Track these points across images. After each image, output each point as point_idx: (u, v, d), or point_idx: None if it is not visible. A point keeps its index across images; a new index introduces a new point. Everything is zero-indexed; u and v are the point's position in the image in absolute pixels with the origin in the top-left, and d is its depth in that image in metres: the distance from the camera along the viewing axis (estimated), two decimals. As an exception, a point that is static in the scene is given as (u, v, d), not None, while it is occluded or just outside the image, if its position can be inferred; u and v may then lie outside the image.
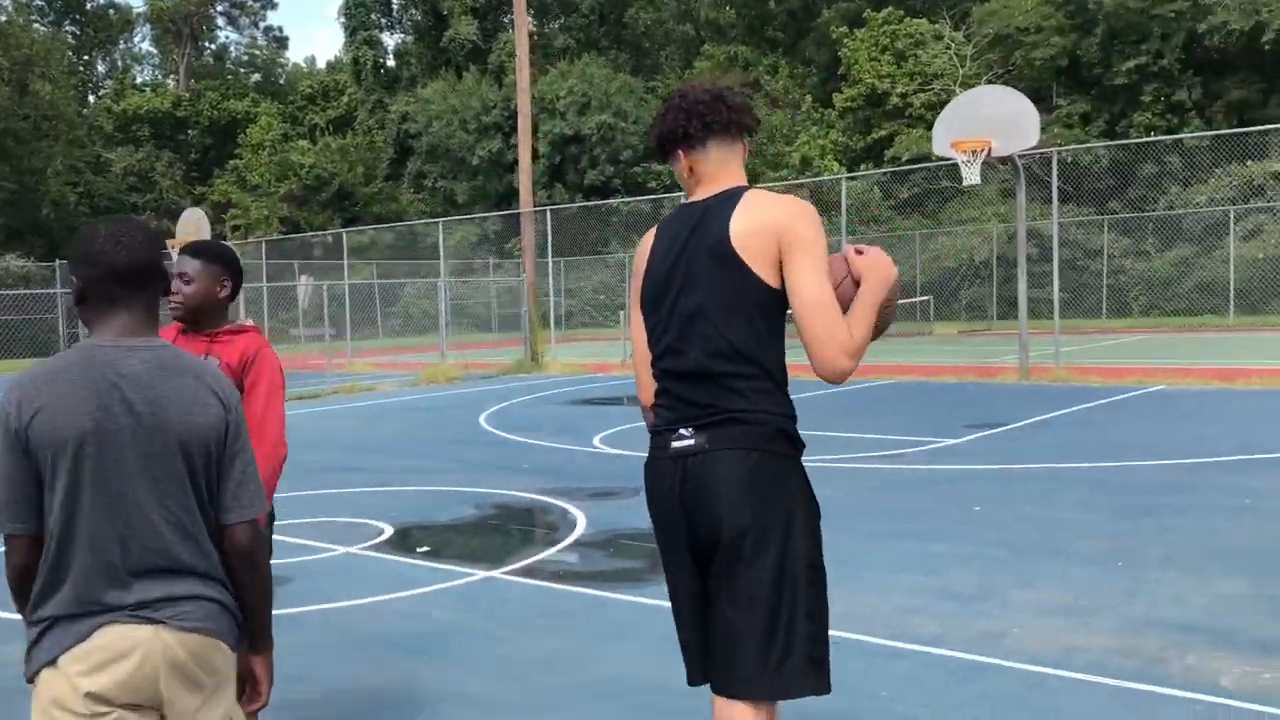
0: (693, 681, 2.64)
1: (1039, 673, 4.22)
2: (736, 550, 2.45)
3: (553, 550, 6.61)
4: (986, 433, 10.77)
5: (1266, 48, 32.67)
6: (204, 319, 3.22)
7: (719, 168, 2.62)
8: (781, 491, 2.49)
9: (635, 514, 7.47)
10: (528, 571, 6.13)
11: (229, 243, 35.63)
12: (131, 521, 2.08)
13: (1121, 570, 5.67)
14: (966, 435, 10.61)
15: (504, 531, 7.42)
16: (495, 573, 6.12)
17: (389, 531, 7.31)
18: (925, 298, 32.06)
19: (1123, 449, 9.48)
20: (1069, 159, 29.21)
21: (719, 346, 2.49)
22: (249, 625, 2.27)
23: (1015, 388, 15.11)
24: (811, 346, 2.43)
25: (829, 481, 8.45)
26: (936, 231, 34.61)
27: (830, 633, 2.59)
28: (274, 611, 4.54)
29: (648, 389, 2.69)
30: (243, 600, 2.23)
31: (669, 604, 2.70)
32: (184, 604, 2.10)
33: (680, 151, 2.63)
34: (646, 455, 2.66)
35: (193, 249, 3.20)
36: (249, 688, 2.33)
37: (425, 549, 6.85)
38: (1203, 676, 4.13)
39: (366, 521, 7.65)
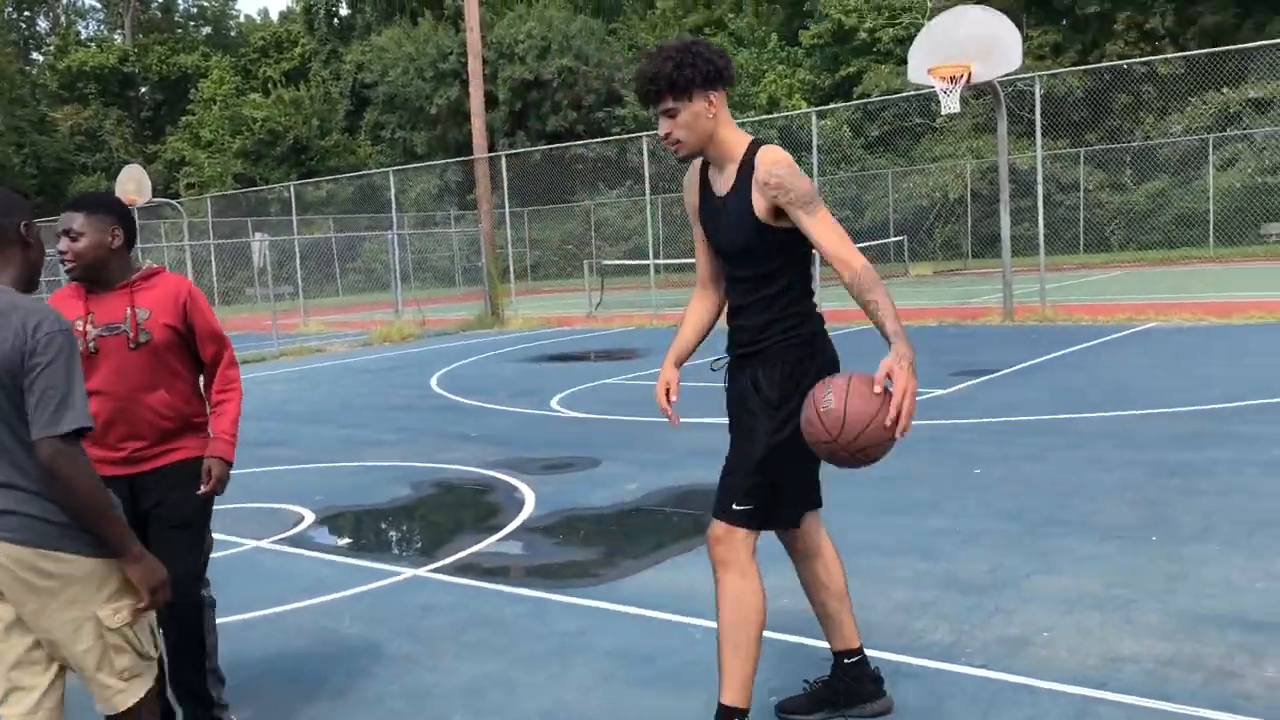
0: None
1: (1083, 697, 3.36)
2: None
3: (493, 539, 5.71)
4: (976, 380, 9.92)
5: (1242, -31, 31.75)
6: (103, 273, 3.12)
7: None
8: None
9: (589, 490, 6.58)
10: (461, 568, 5.23)
11: (180, 200, 34.32)
12: None
13: (1156, 546, 4.82)
14: (955, 384, 9.75)
15: (440, 517, 6.51)
16: (423, 570, 5.22)
17: (309, 519, 6.39)
18: (899, 238, 31.18)
19: (1129, 395, 8.64)
20: (1044, 90, 28.22)
21: None
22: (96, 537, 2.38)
23: (1001, 330, 14.27)
24: None
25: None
26: (910, 170, 33.66)
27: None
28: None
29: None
30: (71, 516, 2.33)
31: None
32: (4, 517, 2.32)
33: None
34: (818, 335, 3.13)
35: (74, 203, 3.12)
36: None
37: (347, 541, 5.95)
38: (1290, 696, 3.28)
39: (286, 507, 6.72)
